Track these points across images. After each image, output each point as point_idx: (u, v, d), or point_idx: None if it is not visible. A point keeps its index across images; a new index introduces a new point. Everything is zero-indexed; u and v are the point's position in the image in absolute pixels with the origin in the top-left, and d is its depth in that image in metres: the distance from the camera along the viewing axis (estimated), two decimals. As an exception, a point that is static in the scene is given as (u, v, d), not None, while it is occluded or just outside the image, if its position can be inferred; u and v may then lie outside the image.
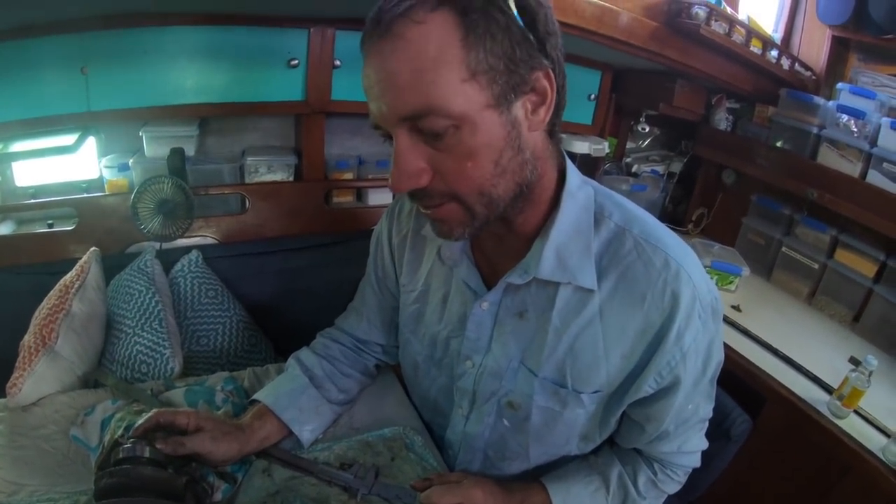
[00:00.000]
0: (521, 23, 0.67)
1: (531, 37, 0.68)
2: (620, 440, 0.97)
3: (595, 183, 0.88)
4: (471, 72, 0.64)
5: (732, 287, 1.88)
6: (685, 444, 0.94)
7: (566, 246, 0.81)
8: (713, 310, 0.82)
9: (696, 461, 0.99)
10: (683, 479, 1.00)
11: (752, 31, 1.89)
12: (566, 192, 0.81)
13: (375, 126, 0.71)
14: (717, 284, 1.86)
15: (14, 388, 1.10)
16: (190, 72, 1.66)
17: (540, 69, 0.69)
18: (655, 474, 0.96)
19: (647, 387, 0.83)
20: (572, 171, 0.83)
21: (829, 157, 1.88)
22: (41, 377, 1.14)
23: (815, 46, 2.18)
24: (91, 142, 1.74)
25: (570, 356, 0.85)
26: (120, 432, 0.83)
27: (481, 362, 0.93)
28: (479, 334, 0.92)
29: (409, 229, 1.04)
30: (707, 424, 0.97)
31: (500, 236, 0.86)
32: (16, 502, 0.89)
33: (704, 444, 0.98)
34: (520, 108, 0.70)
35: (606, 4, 1.56)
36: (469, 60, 0.64)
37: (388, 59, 0.65)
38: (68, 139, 1.63)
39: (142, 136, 1.72)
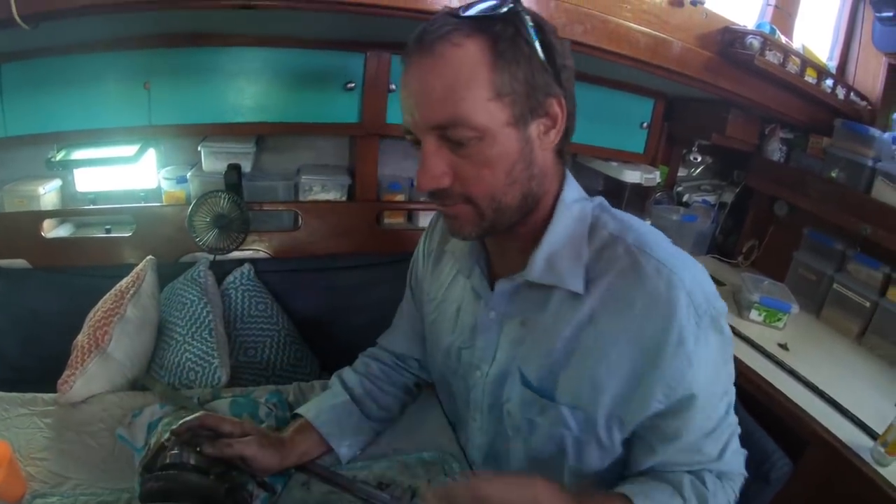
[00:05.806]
0: (541, 55, 0.76)
1: (549, 68, 0.77)
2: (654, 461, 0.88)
3: (603, 202, 0.91)
4: (496, 92, 0.74)
5: (780, 325, 1.82)
6: (729, 445, 0.89)
7: (558, 253, 0.84)
8: (712, 319, 0.80)
9: (742, 465, 0.94)
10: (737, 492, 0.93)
11: (806, 61, 1.85)
12: (560, 204, 0.86)
13: (407, 131, 0.80)
14: (764, 321, 1.82)
15: (65, 386, 1.16)
16: (249, 91, 1.72)
17: (554, 96, 0.79)
18: (719, 478, 0.90)
19: (656, 402, 0.81)
20: (570, 186, 0.88)
21: (883, 192, 1.81)
22: (92, 377, 1.19)
23: (870, 75, 2.11)
24: (151, 153, 1.81)
25: (562, 364, 0.85)
26: (166, 437, 0.86)
27: (487, 371, 0.94)
28: (487, 343, 0.94)
29: (437, 243, 1.09)
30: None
31: (504, 247, 0.92)
32: (59, 493, 0.93)
33: (743, 453, 0.94)
34: (534, 129, 0.79)
35: (660, 35, 1.55)
36: (496, 82, 0.73)
37: (427, 74, 0.74)
38: (129, 150, 1.71)
39: (200, 151, 1.79)
